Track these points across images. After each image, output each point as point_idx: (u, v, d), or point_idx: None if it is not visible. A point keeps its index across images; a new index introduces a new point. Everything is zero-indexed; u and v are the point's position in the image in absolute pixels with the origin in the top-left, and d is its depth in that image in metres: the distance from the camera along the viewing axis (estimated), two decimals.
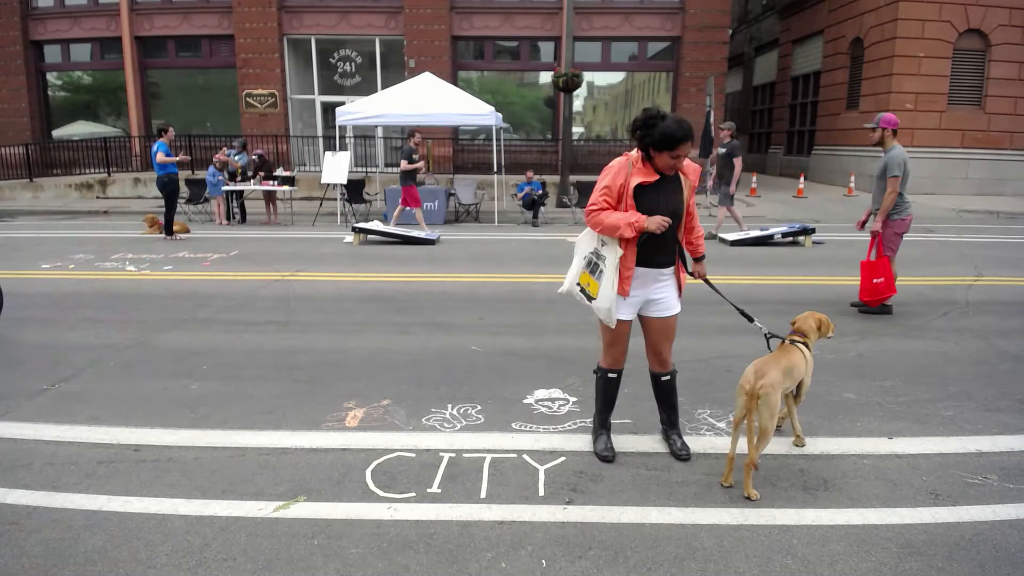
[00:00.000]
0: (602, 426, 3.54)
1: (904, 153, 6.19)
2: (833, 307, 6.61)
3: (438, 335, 5.64)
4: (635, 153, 3.21)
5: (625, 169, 3.17)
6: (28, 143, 18.31)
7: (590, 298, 3.32)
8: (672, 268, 3.32)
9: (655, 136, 3.05)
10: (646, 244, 3.17)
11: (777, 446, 3.56)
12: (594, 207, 3.17)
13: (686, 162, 3.21)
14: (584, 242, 3.39)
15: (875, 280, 6.24)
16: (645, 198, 3.13)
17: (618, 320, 3.30)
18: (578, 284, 3.39)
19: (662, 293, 3.30)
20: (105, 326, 5.87)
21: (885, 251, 6.35)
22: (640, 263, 3.21)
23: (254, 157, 14.10)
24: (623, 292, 3.21)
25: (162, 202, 11.31)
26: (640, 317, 3.38)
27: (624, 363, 3.48)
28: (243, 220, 13.79)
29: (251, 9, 18.71)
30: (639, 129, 3.12)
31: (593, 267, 3.32)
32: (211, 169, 13.43)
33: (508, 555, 2.62)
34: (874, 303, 6.35)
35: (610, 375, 3.47)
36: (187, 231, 11.71)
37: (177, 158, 10.96)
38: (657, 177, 3.15)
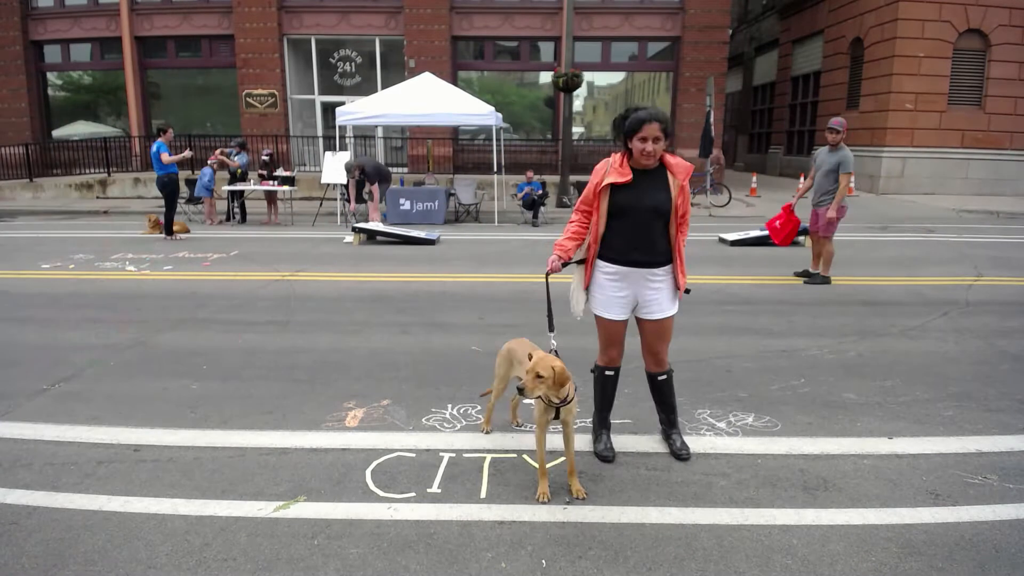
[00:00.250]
0: (602, 425, 3.54)
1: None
2: (833, 307, 6.62)
3: (438, 335, 5.64)
4: (619, 155, 3.22)
5: (603, 171, 3.20)
6: (28, 143, 18.31)
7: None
8: (665, 268, 3.27)
9: (626, 124, 3.08)
10: (620, 240, 3.19)
11: (777, 446, 3.56)
12: (571, 219, 3.34)
13: (675, 160, 3.18)
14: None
15: (777, 224, 8.23)
16: (620, 197, 3.15)
17: (611, 320, 3.32)
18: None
19: (655, 295, 3.28)
20: (105, 326, 5.87)
21: (825, 232, 7.64)
22: (619, 262, 3.22)
23: (264, 157, 14.11)
24: (584, 283, 3.38)
25: (162, 202, 11.32)
26: (636, 318, 3.38)
27: (620, 361, 3.48)
28: (243, 220, 13.78)
29: (251, 9, 18.72)
30: (617, 125, 3.16)
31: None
32: (205, 170, 13.40)
33: (508, 555, 2.62)
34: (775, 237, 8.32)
35: (607, 372, 3.47)
36: (187, 231, 11.71)
37: (181, 156, 10.99)
38: (629, 177, 3.12)
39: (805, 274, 8.02)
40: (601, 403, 3.52)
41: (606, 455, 3.40)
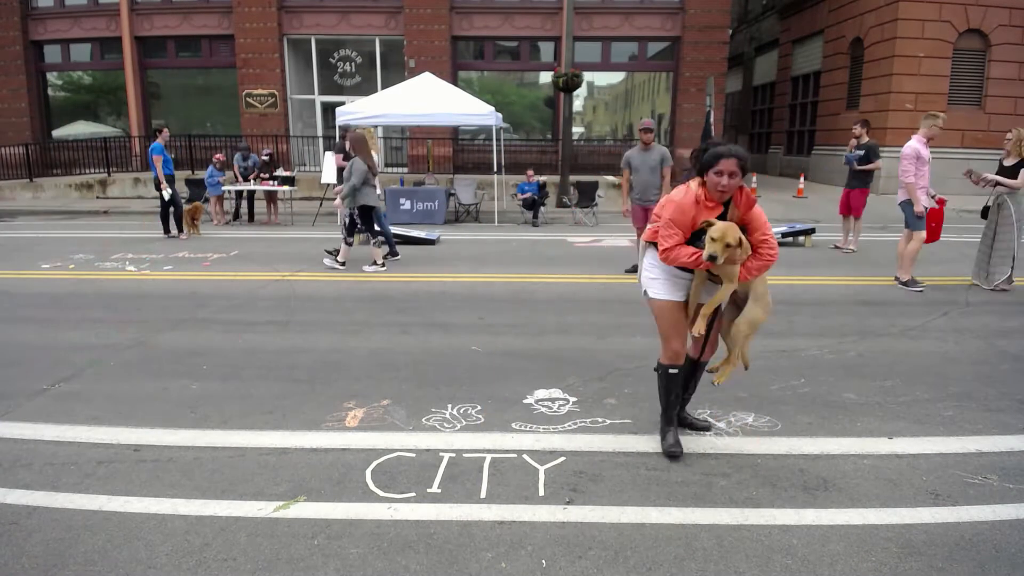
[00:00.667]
0: (669, 423, 3.51)
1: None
2: (833, 307, 6.62)
3: (438, 335, 5.64)
4: (697, 188, 3.17)
5: (691, 208, 3.14)
6: (28, 143, 18.30)
7: None
8: None
9: (705, 157, 3.10)
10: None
11: (777, 446, 3.56)
12: (663, 244, 3.18)
13: (743, 198, 3.16)
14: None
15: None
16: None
17: (672, 302, 3.30)
18: None
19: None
20: (105, 326, 5.86)
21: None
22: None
23: (264, 157, 14.11)
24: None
25: (158, 201, 11.29)
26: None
27: (684, 357, 3.43)
28: (251, 220, 13.78)
29: (251, 9, 18.72)
30: (695, 154, 3.20)
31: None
32: (210, 169, 13.41)
33: (508, 555, 2.62)
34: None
35: (671, 371, 3.42)
36: (199, 215, 11.71)
37: (163, 183, 10.87)
38: (720, 209, 3.13)
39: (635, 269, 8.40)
40: (667, 403, 3.49)
41: (674, 451, 3.39)
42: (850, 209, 10.34)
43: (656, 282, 3.35)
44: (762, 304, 3.31)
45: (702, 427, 3.71)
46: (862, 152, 10.33)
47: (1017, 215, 7.15)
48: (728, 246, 3.00)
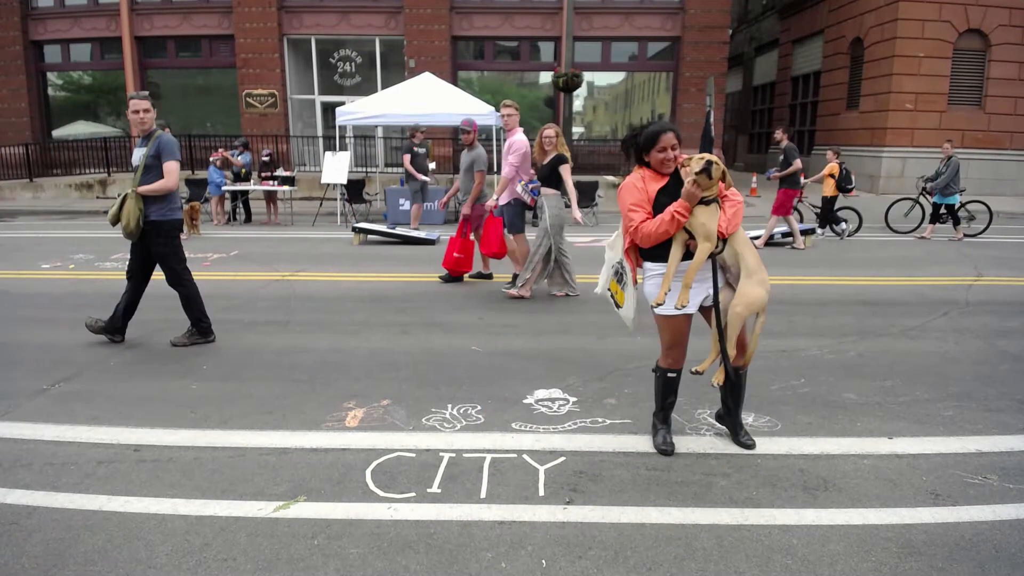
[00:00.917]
0: (663, 422, 3.55)
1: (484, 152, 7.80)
2: (833, 307, 6.62)
3: (438, 335, 5.64)
4: (638, 170, 3.33)
5: (640, 182, 3.26)
6: (28, 143, 18.31)
7: (617, 305, 3.50)
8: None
9: (641, 141, 3.27)
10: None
11: (777, 446, 3.56)
12: (633, 223, 3.21)
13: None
14: (613, 249, 3.51)
15: (455, 255, 7.56)
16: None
17: (677, 316, 3.29)
18: (608, 290, 3.56)
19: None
20: None
21: (473, 232, 7.68)
22: (687, 257, 3.24)
23: (264, 157, 14.10)
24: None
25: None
26: (704, 309, 3.38)
27: (683, 362, 3.48)
28: (248, 220, 13.78)
29: (251, 9, 18.72)
30: (627, 144, 3.35)
31: (619, 276, 3.46)
32: (211, 168, 13.41)
33: (508, 555, 2.62)
34: (453, 273, 7.71)
35: (670, 374, 3.48)
36: (197, 215, 11.70)
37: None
38: (666, 179, 3.24)
39: (478, 276, 8.02)
40: (662, 403, 3.54)
41: (665, 449, 3.44)
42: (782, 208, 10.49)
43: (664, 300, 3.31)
44: (757, 279, 3.20)
45: (747, 444, 3.52)
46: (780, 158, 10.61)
47: (552, 219, 6.57)
48: (700, 158, 3.09)
